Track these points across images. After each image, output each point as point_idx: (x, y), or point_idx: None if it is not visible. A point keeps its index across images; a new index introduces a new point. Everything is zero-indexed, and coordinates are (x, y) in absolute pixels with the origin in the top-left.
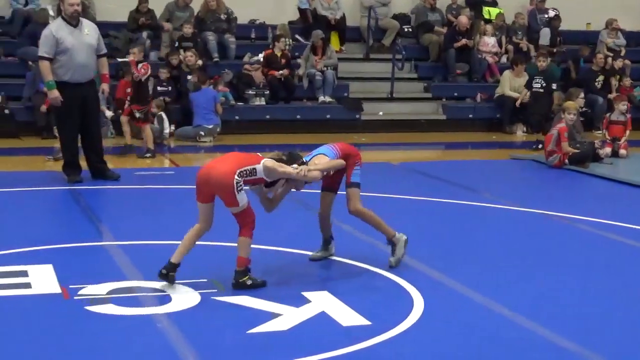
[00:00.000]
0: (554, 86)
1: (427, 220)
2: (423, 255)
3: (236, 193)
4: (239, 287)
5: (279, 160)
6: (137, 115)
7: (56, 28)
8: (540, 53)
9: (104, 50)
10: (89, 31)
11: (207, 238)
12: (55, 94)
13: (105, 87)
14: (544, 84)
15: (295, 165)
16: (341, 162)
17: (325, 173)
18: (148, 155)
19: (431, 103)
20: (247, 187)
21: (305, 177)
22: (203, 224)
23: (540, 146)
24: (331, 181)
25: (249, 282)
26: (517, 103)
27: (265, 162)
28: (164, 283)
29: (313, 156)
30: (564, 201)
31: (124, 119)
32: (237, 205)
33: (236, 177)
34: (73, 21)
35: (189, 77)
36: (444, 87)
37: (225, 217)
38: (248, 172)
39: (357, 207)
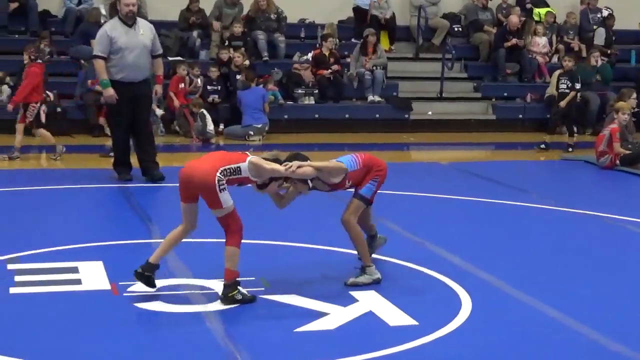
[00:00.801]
0: (578, 86)
1: (476, 220)
2: (471, 255)
3: (218, 192)
4: (229, 302)
5: (274, 159)
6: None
7: (111, 27)
8: (567, 53)
9: (160, 51)
10: (144, 31)
11: (253, 236)
12: (109, 92)
13: (158, 88)
14: (570, 85)
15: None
16: (339, 166)
17: (316, 174)
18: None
19: (481, 103)
20: (236, 185)
21: (295, 174)
22: (186, 225)
23: (543, 146)
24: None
25: (239, 297)
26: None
27: (251, 159)
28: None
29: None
30: (615, 203)
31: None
32: (220, 206)
33: (218, 174)
34: (129, 21)
35: (238, 76)
36: (493, 87)
37: (270, 216)
38: (232, 170)
39: (349, 219)
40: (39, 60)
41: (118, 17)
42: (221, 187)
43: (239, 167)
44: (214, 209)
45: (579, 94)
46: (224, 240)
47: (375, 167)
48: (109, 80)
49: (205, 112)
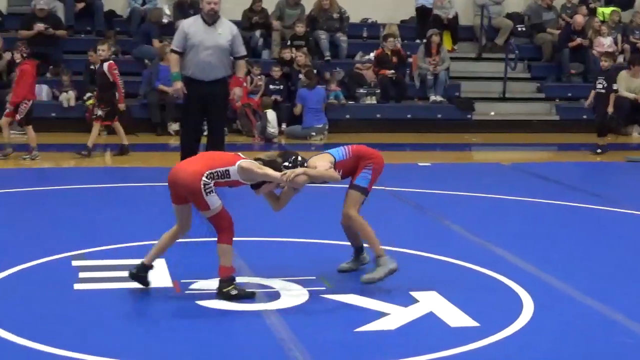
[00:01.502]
0: (615, 87)
1: (538, 221)
2: (533, 257)
3: (205, 196)
4: (224, 297)
5: (270, 161)
6: (99, 113)
7: (190, 23)
8: (604, 53)
9: (240, 53)
10: (222, 31)
11: (313, 236)
12: (177, 85)
13: (237, 90)
14: (606, 85)
15: (287, 165)
16: (334, 175)
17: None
18: (123, 152)
19: (544, 103)
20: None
21: (290, 184)
22: (180, 225)
23: (599, 150)
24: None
25: (234, 292)
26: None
27: (241, 164)
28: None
29: (317, 156)
30: None
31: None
32: (208, 209)
33: (204, 179)
34: (209, 19)
35: (301, 76)
36: (557, 87)
37: (328, 216)
38: (220, 174)
39: (350, 212)
40: (30, 58)
41: (201, 15)
42: (207, 190)
43: (227, 170)
44: (201, 211)
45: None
46: (279, 239)
47: (366, 155)
48: (180, 74)
49: (269, 113)
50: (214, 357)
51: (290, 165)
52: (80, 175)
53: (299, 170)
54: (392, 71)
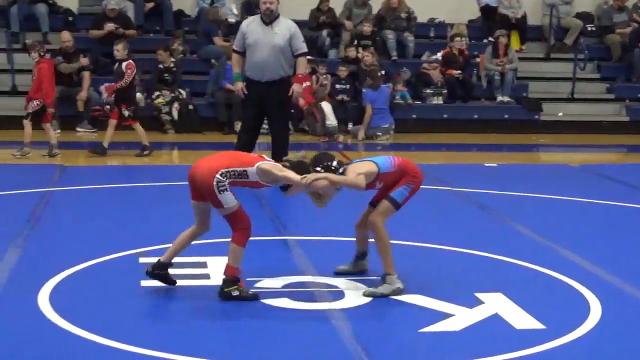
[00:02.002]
0: None
1: (607, 224)
2: (601, 259)
3: (217, 193)
4: (225, 297)
5: (297, 162)
6: (127, 114)
7: (248, 23)
8: None
9: (300, 50)
10: (279, 30)
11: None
12: (237, 86)
13: (295, 87)
14: None
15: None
16: (358, 184)
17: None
18: (146, 152)
19: (613, 104)
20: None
21: (310, 187)
22: (197, 225)
23: None
24: (379, 197)
25: (235, 293)
26: None
27: (260, 165)
28: (337, 279)
29: (360, 162)
30: None
31: (112, 121)
32: (221, 207)
33: (218, 176)
34: (266, 19)
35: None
36: (627, 87)
37: (395, 216)
38: (237, 173)
39: (377, 221)
40: (47, 56)
41: (260, 14)
42: (220, 188)
43: (245, 171)
44: (216, 208)
45: None
46: (344, 238)
47: (410, 172)
48: (240, 75)
49: (324, 105)
50: (277, 355)
51: (321, 170)
52: (147, 173)
53: (321, 174)
54: (459, 71)
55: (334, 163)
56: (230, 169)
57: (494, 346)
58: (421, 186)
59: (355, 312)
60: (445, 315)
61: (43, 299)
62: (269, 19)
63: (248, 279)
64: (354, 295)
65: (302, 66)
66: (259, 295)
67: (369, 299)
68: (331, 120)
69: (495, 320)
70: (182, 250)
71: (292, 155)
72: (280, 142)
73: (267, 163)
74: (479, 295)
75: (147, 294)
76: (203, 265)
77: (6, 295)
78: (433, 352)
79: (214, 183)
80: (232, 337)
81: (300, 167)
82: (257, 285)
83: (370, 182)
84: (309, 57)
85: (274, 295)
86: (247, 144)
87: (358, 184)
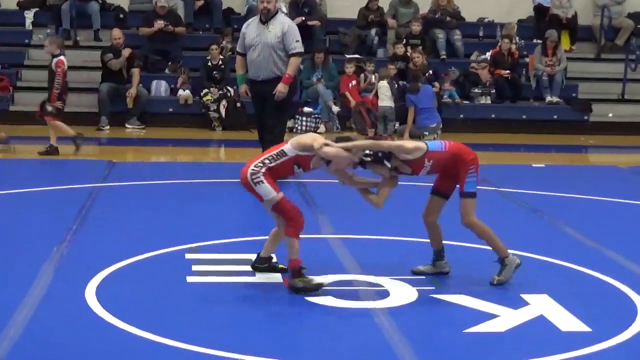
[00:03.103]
0: None
1: None
2: None
3: (254, 186)
4: (292, 289)
5: (342, 137)
6: (49, 109)
7: (248, 24)
8: None
9: (293, 50)
10: (273, 28)
11: (424, 235)
12: (241, 88)
13: (280, 87)
14: None
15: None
16: (405, 145)
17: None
18: (50, 149)
19: None
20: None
21: (352, 153)
22: (278, 225)
23: None
24: (441, 185)
25: (300, 285)
26: None
27: (296, 139)
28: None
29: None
30: None
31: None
32: (261, 199)
33: (252, 167)
34: (264, 18)
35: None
36: None
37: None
38: (274, 156)
39: (471, 220)
40: (62, 56)
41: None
42: (255, 180)
43: (282, 150)
44: (261, 202)
45: None
46: (389, 237)
47: (465, 155)
48: (243, 76)
49: (381, 85)
50: (321, 353)
51: (371, 158)
52: (195, 170)
53: (365, 142)
54: (508, 71)
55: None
56: (266, 157)
57: (539, 348)
58: None
59: (399, 311)
60: (490, 316)
61: (90, 293)
62: (266, 17)
63: None
64: (399, 294)
65: (292, 66)
66: (323, 284)
67: (413, 298)
68: (389, 102)
69: (541, 321)
70: (277, 243)
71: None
72: (268, 140)
73: (301, 135)
74: (525, 296)
75: (193, 290)
76: (248, 262)
77: (54, 289)
78: (477, 352)
79: (248, 175)
80: (276, 335)
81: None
82: None
83: (419, 158)
84: (356, 55)
85: (318, 293)
86: (261, 142)
87: (406, 147)
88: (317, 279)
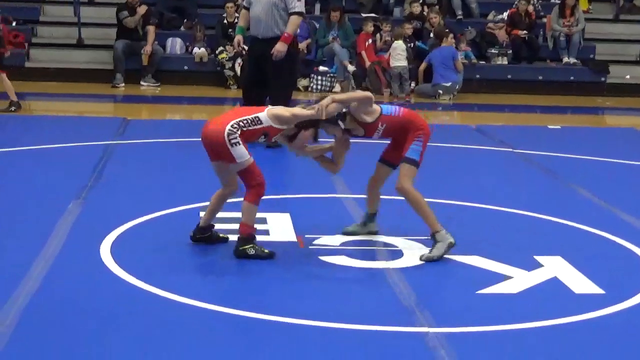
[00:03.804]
0: None
1: None
2: None
3: (229, 147)
4: (240, 256)
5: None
6: None
7: None
8: None
9: (294, 8)
10: None
11: (438, 195)
12: (236, 39)
13: (278, 46)
14: None
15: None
16: (365, 94)
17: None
18: (12, 109)
19: None
20: (262, 138)
21: (324, 113)
22: (224, 185)
23: None
24: (389, 154)
25: (251, 252)
26: None
27: (269, 109)
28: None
29: None
30: None
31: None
32: (234, 161)
33: (228, 127)
34: None
35: (431, 35)
36: None
37: (454, 176)
38: (249, 121)
39: (405, 186)
40: None
41: None
42: (232, 140)
43: (257, 116)
44: (230, 163)
45: None
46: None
47: (416, 123)
48: (243, 29)
49: (397, 45)
50: (335, 312)
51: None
52: None
53: (326, 100)
54: (525, 31)
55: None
56: (241, 119)
57: (552, 310)
58: (430, 141)
59: (413, 271)
60: (503, 277)
61: (105, 250)
62: None
63: (306, 235)
64: (412, 254)
65: (292, 25)
66: (275, 254)
67: None
68: (403, 62)
69: (554, 283)
70: (217, 213)
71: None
72: (277, 103)
73: (277, 107)
74: (538, 258)
75: (205, 248)
76: (263, 221)
77: (70, 245)
78: (490, 313)
79: (225, 135)
80: (288, 293)
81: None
82: (316, 242)
83: (373, 121)
84: (372, 14)
85: (332, 252)
86: (251, 102)
87: (365, 95)
88: (267, 250)
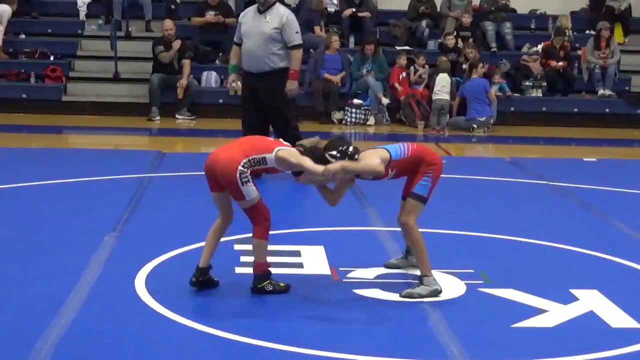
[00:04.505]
0: None
1: None
2: None
3: (240, 186)
4: (258, 292)
5: (311, 148)
6: None
7: (245, 13)
8: None
9: (293, 42)
10: (270, 19)
11: (473, 229)
12: (230, 78)
13: (289, 85)
14: None
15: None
16: (376, 169)
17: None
18: None
19: None
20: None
21: (325, 176)
22: (222, 217)
23: None
24: (407, 189)
25: (269, 288)
26: None
27: (279, 152)
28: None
29: (372, 149)
30: None
31: None
32: (242, 199)
33: (240, 167)
34: (261, 7)
35: (464, 66)
36: None
37: (489, 208)
38: (257, 161)
39: (409, 222)
40: None
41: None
42: (243, 179)
43: (264, 157)
44: (237, 201)
45: None
46: (437, 230)
47: (427, 159)
48: (236, 67)
49: (442, 75)
50: (369, 345)
51: (337, 155)
52: None
53: (336, 165)
54: (560, 63)
55: (350, 148)
56: (251, 158)
57: (589, 344)
58: (442, 174)
59: (447, 304)
60: (539, 311)
61: (140, 283)
62: (264, 7)
63: (340, 268)
64: (447, 287)
65: (296, 60)
66: (290, 286)
67: (461, 292)
68: (445, 95)
69: (590, 317)
70: (214, 249)
71: (307, 141)
72: (286, 140)
73: (285, 149)
74: (574, 291)
75: (241, 281)
76: (297, 254)
77: (105, 277)
78: (526, 347)
79: (237, 175)
80: (324, 326)
81: (314, 153)
82: (349, 275)
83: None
84: (406, 47)
85: (366, 285)
86: (250, 132)
87: (377, 169)
88: (283, 283)
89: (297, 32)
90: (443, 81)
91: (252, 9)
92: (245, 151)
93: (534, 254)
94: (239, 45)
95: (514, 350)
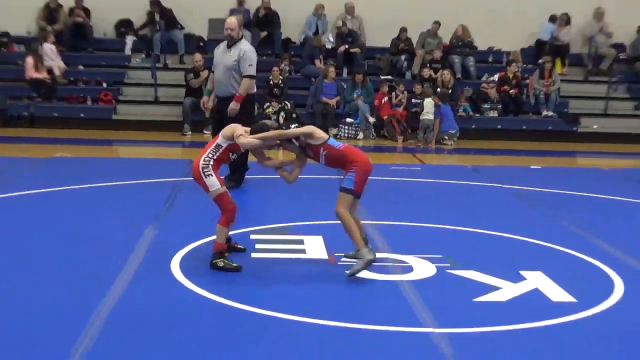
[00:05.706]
0: None
1: (631, 217)
2: (626, 247)
3: (204, 178)
4: (212, 267)
5: (258, 128)
6: None
7: (218, 47)
8: None
9: (245, 72)
10: (233, 53)
11: (446, 222)
12: (203, 99)
13: (232, 105)
14: None
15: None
16: (305, 130)
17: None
18: None
19: None
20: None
21: (266, 141)
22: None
23: None
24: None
25: (221, 264)
26: None
27: (222, 132)
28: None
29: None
30: None
31: None
32: (207, 190)
33: (201, 163)
34: (228, 42)
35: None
36: None
37: (460, 205)
38: (213, 150)
39: (338, 210)
40: None
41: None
42: (206, 173)
43: (217, 143)
44: (206, 192)
45: None
46: (416, 224)
47: (349, 158)
48: (210, 91)
49: (426, 102)
50: (356, 314)
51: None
52: (257, 167)
53: (274, 132)
54: (512, 90)
55: (293, 125)
56: (208, 153)
57: (534, 315)
58: (368, 174)
59: (421, 283)
60: (494, 288)
61: (175, 265)
62: (230, 42)
63: (336, 254)
64: (421, 269)
65: (244, 86)
66: (241, 267)
67: (432, 273)
68: (429, 115)
69: (535, 293)
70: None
71: (255, 126)
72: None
73: (226, 128)
74: (523, 272)
75: (256, 263)
76: (300, 242)
77: (147, 260)
78: (484, 317)
79: (200, 169)
80: (318, 298)
81: (261, 128)
82: (344, 259)
83: (317, 144)
84: (388, 77)
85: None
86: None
87: (306, 131)
88: (234, 264)
89: (250, 65)
90: (429, 105)
91: (223, 43)
92: (202, 152)
93: (490, 242)
94: (214, 72)
95: (474, 319)
